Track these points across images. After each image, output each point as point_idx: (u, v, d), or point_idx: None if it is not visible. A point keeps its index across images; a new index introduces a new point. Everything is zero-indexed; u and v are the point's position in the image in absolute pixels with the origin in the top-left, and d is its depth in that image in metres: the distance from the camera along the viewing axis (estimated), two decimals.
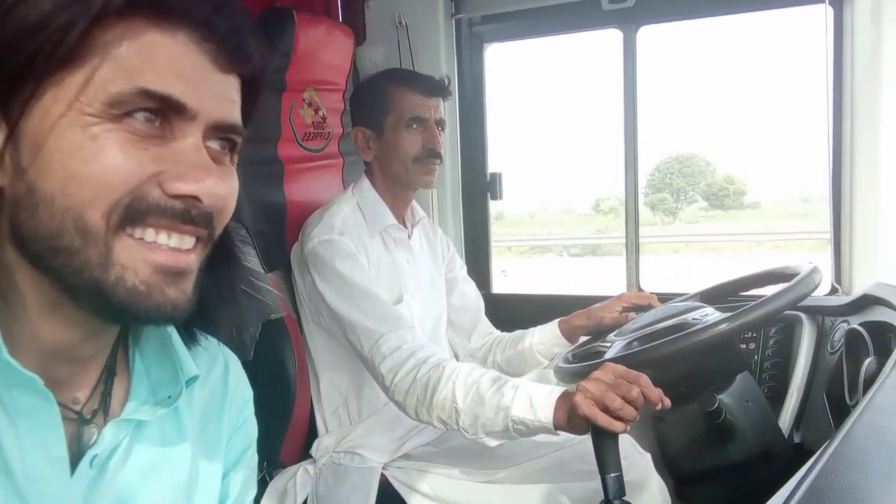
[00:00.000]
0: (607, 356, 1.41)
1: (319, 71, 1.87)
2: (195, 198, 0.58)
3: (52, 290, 0.58)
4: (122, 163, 0.55)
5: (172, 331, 0.70)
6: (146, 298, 0.57)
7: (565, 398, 1.22)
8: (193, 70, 0.58)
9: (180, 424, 0.72)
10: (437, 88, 1.71)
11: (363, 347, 1.48)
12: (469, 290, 1.96)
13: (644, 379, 1.14)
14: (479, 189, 2.36)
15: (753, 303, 1.32)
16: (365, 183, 1.72)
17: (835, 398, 1.47)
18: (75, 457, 0.62)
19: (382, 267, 1.66)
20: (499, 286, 2.37)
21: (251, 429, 0.83)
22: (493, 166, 2.37)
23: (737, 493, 1.38)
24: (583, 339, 1.76)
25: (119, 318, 0.59)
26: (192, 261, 0.61)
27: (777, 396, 1.66)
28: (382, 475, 1.53)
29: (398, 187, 1.72)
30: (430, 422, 1.38)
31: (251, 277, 1.55)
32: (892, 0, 1.74)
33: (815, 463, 0.66)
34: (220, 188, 0.59)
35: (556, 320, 1.80)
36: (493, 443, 1.35)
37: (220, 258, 0.70)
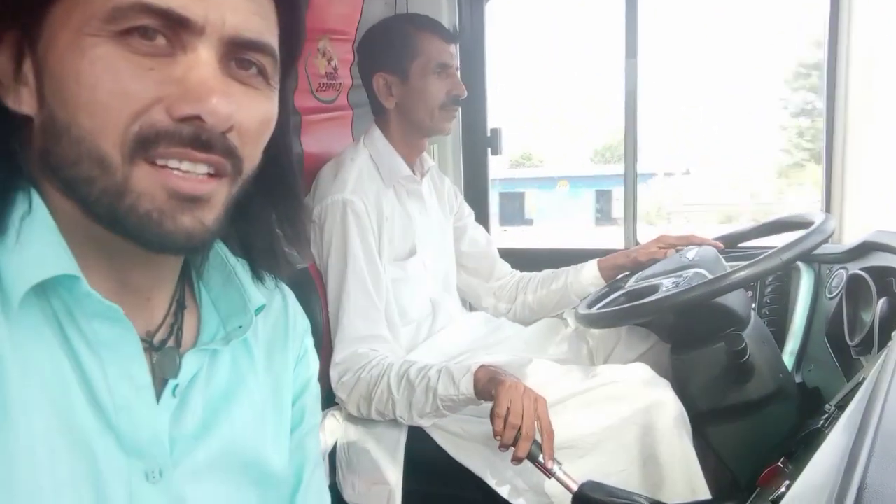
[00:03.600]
0: (651, 297, 1.49)
1: (333, 20, 1.86)
2: (200, 118, 0.55)
3: (84, 218, 0.57)
4: (123, 86, 0.53)
5: (236, 262, 0.72)
6: (157, 226, 0.55)
7: (483, 370, 1.37)
8: None
9: (250, 353, 0.74)
10: (455, 35, 1.73)
11: (333, 327, 1.57)
12: (479, 235, 2.01)
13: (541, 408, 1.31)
14: (479, 144, 2.39)
15: (772, 250, 1.40)
16: (376, 133, 1.72)
17: (836, 340, 1.57)
18: (156, 387, 0.63)
19: (396, 219, 1.68)
20: (498, 242, 2.40)
21: (313, 357, 0.84)
22: (493, 122, 2.40)
23: (751, 429, 1.46)
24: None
25: (140, 245, 0.57)
26: (213, 189, 0.58)
27: (776, 340, 1.76)
28: None
29: (417, 135, 1.73)
30: (368, 415, 1.51)
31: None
32: None
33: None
34: (224, 106, 0.55)
35: (595, 260, 1.86)
36: (427, 423, 1.48)
37: (281, 196, 0.71)
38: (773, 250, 1.37)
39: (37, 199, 0.57)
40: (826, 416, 1.19)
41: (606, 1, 2.31)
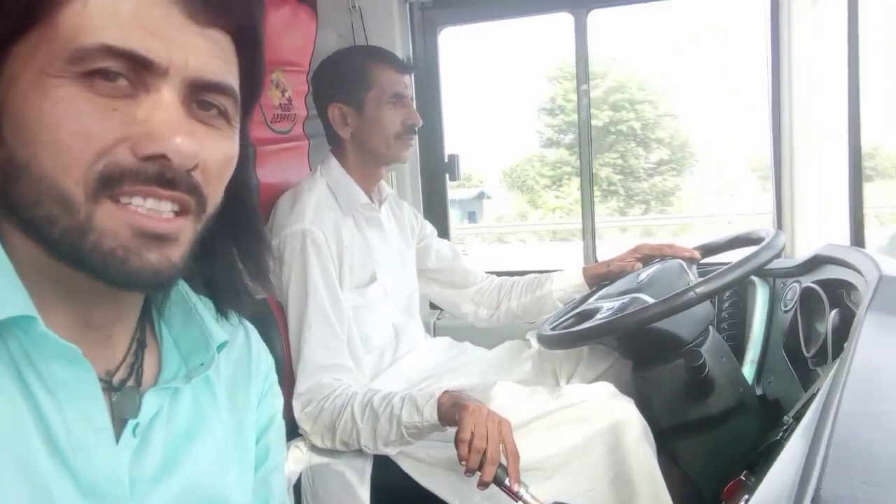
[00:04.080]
0: (585, 324, 1.52)
1: (286, 52, 1.86)
2: (165, 157, 0.55)
3: (45, 257, 0.57)
4: (86, 127, 0.53)
5: (197, 300, 0.72)
6: (122, 263, 0.55)
7: (447, 395, 1.37)
8: (163, 23, 0.55)
9: (212, 391, 0.73)
10: (408, 65, 1.75)
11: (295, 357, 1.55)
12: (444, 248, 2.02)
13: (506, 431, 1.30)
14: (437, 170, 2.40)
15: (728, 265, 1.44)
16: (333, 163, 1.73)
17: (793, 352, 1.61)
18: (115, 427, 0.62)
19: (355, 248, 1.68)
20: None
21: (277, 394, 0.84)
22: (450, 148, 2.41)
23: (714, 443, 1.48)
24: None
25: (105, 282, 0.57)
26: (179, 226, 0.58)
27: (735, 353, 1.79)
28: None
29: (374, 164, 1.74)
30: (332, 445, 1.50)
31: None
32: None
33: (830, 400, 0.71)
34: (189, 145, 0.55)
35: (581, 266, 1.88)
36: (393, 451, 1.47)
37: (242, 232, 0.71)
38: (698, 281, 1.43)
39: None
40: (785, 427, 1.21)
41: (556, 27, 2.36)
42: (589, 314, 1.59)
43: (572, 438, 1.40)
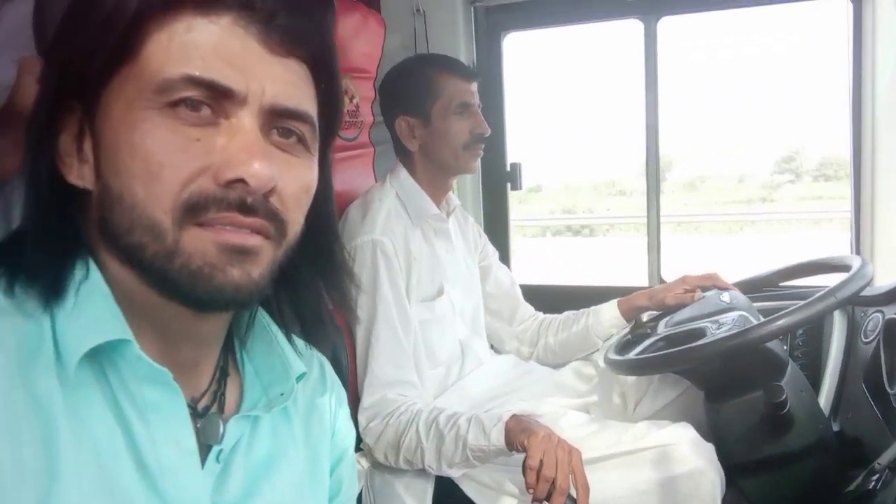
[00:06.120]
0: (656, 353, 1.47)
1: (355, 59, 1.84)
2: (243, 181, 0.57)
3: (139, 286, 0.59)
4: (172, 158, 0.56)
5: (277, 331, 0.73)
6: (208, 280, 0.57)
7: (515, 420, 1.33)
8: (242, 54, 0.58)
9: (290, 422, 0.75)
10: (475, 73, 1.72)
11: (361, 370, 1.53)
12: (503, 276, 1.98)
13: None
14: (499, 179, 2.36)
15: (809, 299, 1.37)
16: (402, 173, 1.70)
17: (874, 387, 1.53)
18: (199, 453, 0.64)
19: (424, 259, 1.66)
20: (519, 277, 2.37)
21: (350, 426, 0.86)
22: (512, 156, 2.37)
23: (790, 482, 1.42)
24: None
25: (189, 304, 0.59)
26: (260, 244, 0.60)
27: (810, 385, 1.72)
28: None
29: (442, 175, 1.71)
30: (396, 463, 1.47)
31: None
32: None
33: None
34: (266, 169, 0.57)
35: (615, 300, 1.83)
36: (457, 473, 1.44)
37: (325, 261, 0.73)
38: (824, 290, 1.34)
39: (93, 267, 0.60)
40: (876, 476, 1.15)
41: (625, 33, 2.30)
42: (686, 337, 1.51)
43: (645, 482, 1.37)
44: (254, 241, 0.59)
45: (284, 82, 0.60)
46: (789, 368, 1.48)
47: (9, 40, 1.65)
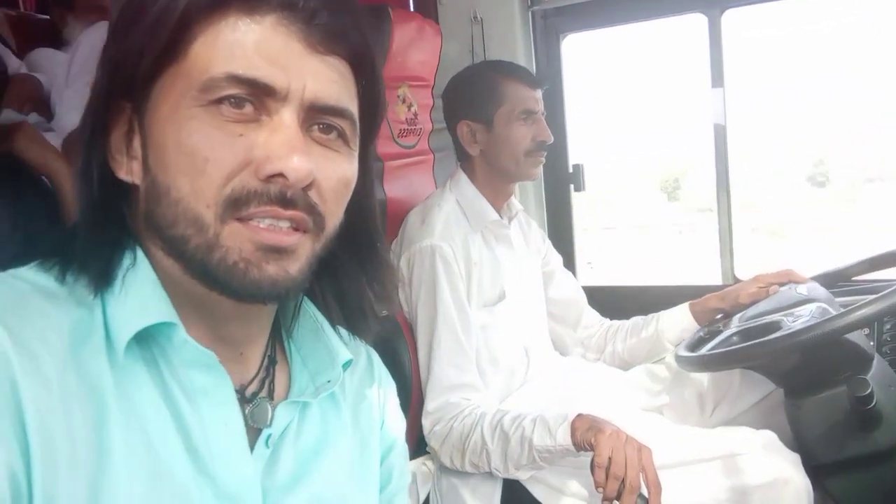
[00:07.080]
0: (729, 348, 1.41)
1: (412, 67, 1.87)
2: (283, 175, 0.58)
3: (183, 275, 0.61)
4: (216, 154, 0.58)
5: (323, 321, 0.75)
6: (243, 275, 0.59)
7: (581, 419, 1.31)
8: (284, 52, 0.59)
9: (339, 409, 0.76)
10: (539, 80, 1.71)
11: (424, 375, 1.53)
12: (567, 282, 1.95)
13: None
14: (561, 181, 2.34)
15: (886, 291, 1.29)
16: (463, 179, 1.71)
17: None
18: (249, 438, 0.65)
19: (484, 264, 1.65)
20: (585, 279, 2.34)
21: (400, 417, 0.86)
22: (575, 158, 2.34)
23: (881, 483, 1.33)
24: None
25: (228, 294, 0.61)
26: (297, 241, 0.61)
27: None
28: None
29: (503, 181, 1.71)
30: (462, 467, 1.45)
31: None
32: None
33: None
34: (304, 163, 0.59)
35: (686, 303, 1.78)
36: (524, 475, 1.41)
37: (366, 254, 0.74)
38: None
39: (140, 255, 0.63)
40: None
41: (688, 29, 2.24)
42: (761, 331, 1.45)
43: (724, 491, 1.31)
44: (290, 240, 0.61)
45: (325, 79, 0.62)
46: (875, 362, 1.40)
47: (85, 65, 1.76)
